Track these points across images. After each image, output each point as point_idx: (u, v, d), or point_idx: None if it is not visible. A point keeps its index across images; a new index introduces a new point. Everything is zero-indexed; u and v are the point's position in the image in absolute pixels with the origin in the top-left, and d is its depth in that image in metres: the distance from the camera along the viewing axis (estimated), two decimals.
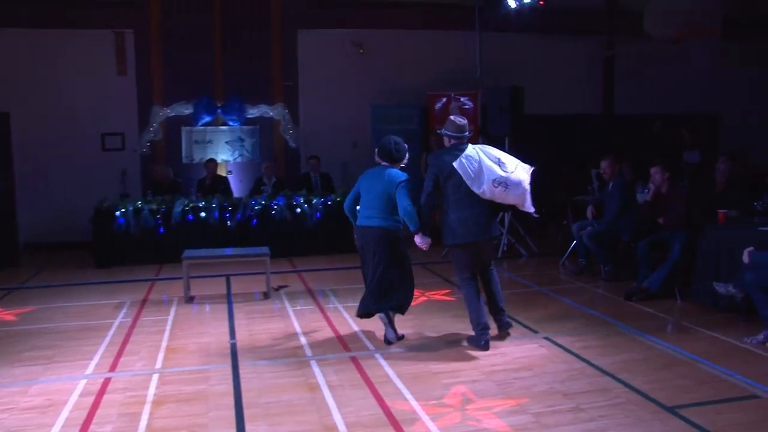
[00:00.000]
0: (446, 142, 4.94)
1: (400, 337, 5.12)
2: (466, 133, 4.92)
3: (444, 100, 10.56)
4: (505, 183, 4.74)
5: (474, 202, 4.77)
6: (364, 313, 5.03)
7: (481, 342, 4.88)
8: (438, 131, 5.32)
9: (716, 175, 7.08)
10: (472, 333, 4.97)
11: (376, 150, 5.08)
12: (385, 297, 4.93)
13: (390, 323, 5.05)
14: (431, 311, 6.02)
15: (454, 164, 4.76)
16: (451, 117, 5.00)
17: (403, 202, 4.77)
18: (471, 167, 4.74)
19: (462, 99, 10.47)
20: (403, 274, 4.97)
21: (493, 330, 5.09)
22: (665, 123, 10.00)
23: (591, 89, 11.93)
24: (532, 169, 4.93)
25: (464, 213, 4.79)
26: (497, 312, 5.09)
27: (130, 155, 10.36)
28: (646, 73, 11.83)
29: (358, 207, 5.10)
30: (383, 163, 5.00)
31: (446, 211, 4.84)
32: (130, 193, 9.71)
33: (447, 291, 6.75)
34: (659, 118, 10.22)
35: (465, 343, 4.99)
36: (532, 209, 4.92)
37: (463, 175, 4.73)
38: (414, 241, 4.82)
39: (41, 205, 10.12)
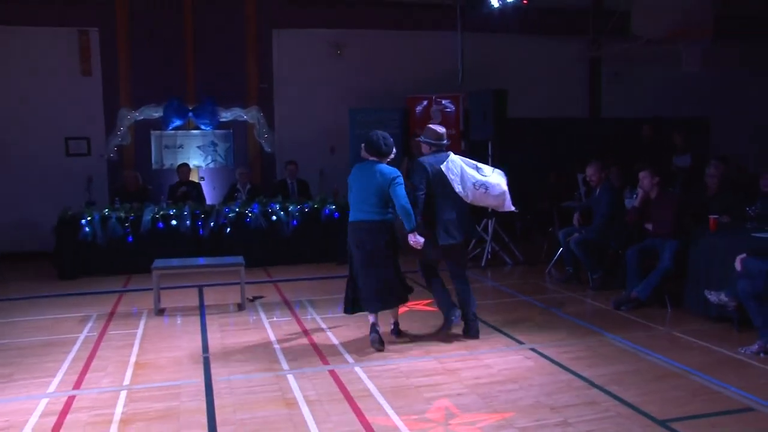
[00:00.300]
0: (425, 149, 5.34)
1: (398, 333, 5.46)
2: (445, 141, 5.37)
3: (425, 103, 10.60)
4: (485, 185, 5.28)
5: (456, 205, 5.23)
6: (379, 309, 5.19)
7: (452, 318, 5.31)
8: (416, 138, 5.69)
9: (707, 179, 7.17)
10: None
11: (363, 145, 5.24)
12: (391, 293, 5.14)
13: (376, 324, 5.24)
14: (412, 321, 6.02)
15: (442, 167, 5.20)
16: (430, 125, 5.45)
17: (401, 199, 4.96)
18: (456, 171, 5.23)
19: (443, 102, 10.52)
20: (399, 269, 5.21)
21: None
22: (655, 126, 10.12)
23: (577, 92, 12.07)
24: (504, 176, 5.41)
25: (449, 216, 5.20)
26: (470, 318, 5.44)
27: (97, 161, 10.29)
28: (635, 75, 12.00)
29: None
30: (371, 158, 5.17)
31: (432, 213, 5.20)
32: (96, 200, 9.61)
33: (429, 300, 6.64)
34: (648, 121, 10.35)
35: (443, 331, 5.44)
36: (512, 208, 5.43)
37: (451, 179, 5.17)
38: (406, 239, 5.01)
39: (0, 214, 10.01)
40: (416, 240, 4.97)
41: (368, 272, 5.12)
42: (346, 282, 5.38)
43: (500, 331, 5.67)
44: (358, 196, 5.13)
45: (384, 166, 5.14)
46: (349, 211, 5.24)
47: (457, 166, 5.25)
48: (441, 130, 5.37)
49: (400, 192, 4.97)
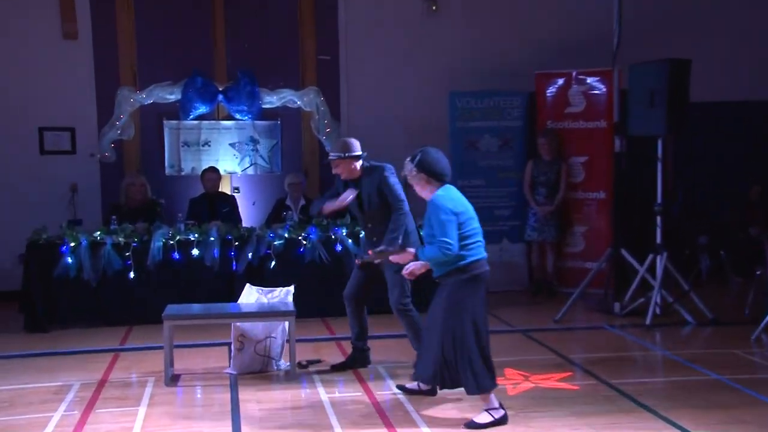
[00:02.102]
0: (350, 165, 6.64)
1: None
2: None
3: (560, 82, 10.46)
4: None
5: None
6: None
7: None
8: (342, 155, 6.60)
9: None
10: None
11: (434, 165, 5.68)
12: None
13: None
14: (539, 406, 5.91)
15: None
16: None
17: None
18: None
19: (588, 80, 10.32)
20: None
21: None
22: None
23: None
24: None
25: None
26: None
27: (84, 162, 10.40)
28: None
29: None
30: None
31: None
32: (83, 218, 9.69)
33: (565, 374, 6.65)
34: None
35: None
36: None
37: None
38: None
39: None
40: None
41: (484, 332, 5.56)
42: (471, 351, 5.49)
43: (678, 426, 5.40)
44: (474, 227, 5.59)
45: None
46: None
47: None
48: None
49: None
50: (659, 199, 8.71)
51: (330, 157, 6.63)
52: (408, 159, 5.72)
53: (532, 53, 10.78)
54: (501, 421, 5.44)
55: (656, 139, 8.75)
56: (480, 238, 5.59)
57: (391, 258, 5.95)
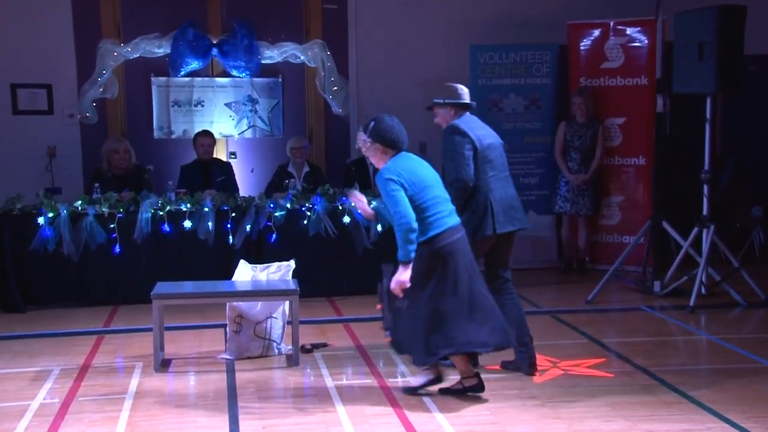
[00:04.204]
0: (449, 113, 6.41)
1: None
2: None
3: (596, 33, 10.41)
4: None
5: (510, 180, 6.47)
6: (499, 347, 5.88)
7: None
8: (441, 101, 6.47)
9: None
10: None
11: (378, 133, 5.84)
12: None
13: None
14: (569, 395, 5.91)
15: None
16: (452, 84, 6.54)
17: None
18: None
19: (628, 31, 10.27)
20: None
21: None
22: None
23: None
24: None
25: (509, 192, 6.36)
26: (523, 345, 6.30)
27: (63, 123, 10.46)
28: None
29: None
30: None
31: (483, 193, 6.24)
32: (62, 187, 9.74)
33: (598, 360, 6.69)
34: None
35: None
36: None
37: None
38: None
39: None
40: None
41: (477, 291, 5.79)
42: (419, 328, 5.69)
43: (725, 419, 5.38)
44: (435, 195, 5.78)
45: None
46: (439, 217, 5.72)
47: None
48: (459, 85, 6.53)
49: None
50: (707, 166, 8.68)
51: (435, 101, 6.47)
52: (360, 128, 5.95)
53: (563, 1, 10.77)
54: (473, 389, 5.79)
55: (704, 98, 8.73)
56: (443, 207, 5.72)
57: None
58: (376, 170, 9.73)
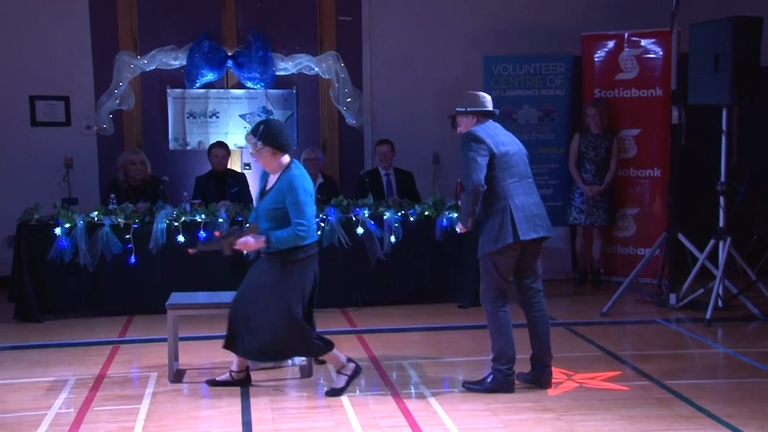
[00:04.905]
0: (471, 121, 6.42)
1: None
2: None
3: (611, 45, 10.40)
4: None
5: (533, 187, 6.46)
6: None
7: (503, 380, 6.15)
8: (463, 109, 6.49)
9: None
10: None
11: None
12: None
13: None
14: (584, 408, 5.88)
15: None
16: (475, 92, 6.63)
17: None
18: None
19: (643, 42, 10.24)
20: None
21: None
22: None
23: None
24: None
25: (530, 199, 6.28)
26: (542, 364, 6.34)
27: (80, 135, 10.50)
28: None
29: None
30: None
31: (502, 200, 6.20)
32: (78, 197, 9.78)
33: (613, 373, 6.66)
34: None
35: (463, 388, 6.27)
36: None
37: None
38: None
39: None
40: None
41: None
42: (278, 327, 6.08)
43: None
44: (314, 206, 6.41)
45: None
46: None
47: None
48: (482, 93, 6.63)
49: None
50: (723, 178, 8.64)
51: (457, 110, 6.49)
52: (249, 132, 6.26)
53: (577, 12, 10.79)
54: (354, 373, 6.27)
55: (720, 109, 8.69)
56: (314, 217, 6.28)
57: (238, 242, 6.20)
58: (389, 181, 9.84)
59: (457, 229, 6.52)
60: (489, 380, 6.19)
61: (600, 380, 6.46)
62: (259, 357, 6.31)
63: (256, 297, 6.12)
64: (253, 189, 10.21)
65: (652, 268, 9.12)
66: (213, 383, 6.44)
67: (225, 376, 6.44)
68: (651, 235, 9.69)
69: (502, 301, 6.17)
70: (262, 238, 6.04)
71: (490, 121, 6.42)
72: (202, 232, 8.66)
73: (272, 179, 6.25)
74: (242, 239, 6.13)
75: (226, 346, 6.28)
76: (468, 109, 6.40)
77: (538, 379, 6.27)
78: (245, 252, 6.50)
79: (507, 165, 6.18)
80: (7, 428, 5.62)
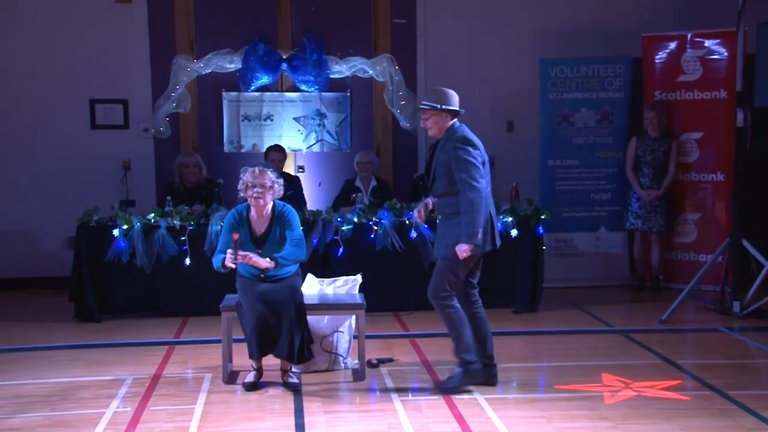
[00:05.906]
0: (445, 120, 6.35)
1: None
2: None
3: (673, 46, 10.26)
4: None
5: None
6: None
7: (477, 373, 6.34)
8: (438, 106, 6.35)
9: None
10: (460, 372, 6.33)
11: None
12: None
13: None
14: (642, 417, 5.77)
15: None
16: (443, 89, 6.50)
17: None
18: None
19: (707, 43, 10.09)
20: None
21: None
22: None
23: None
24: None
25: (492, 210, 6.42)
26: (491, 358, 6.52)
27: (138, 138, 10.60)
28: None
29: None
30: None
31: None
32: (136, 199, 9.90)
33: (672, 382, 6.52)
34: None
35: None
36: None
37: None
38: None
39: None
40: None
41: None
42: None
43: None
44: None
45: None
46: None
47: None
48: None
49: None
50: None
51: (421, 106, 6.41)
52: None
53: (637, 12, 10.70)
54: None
55: None
56: None
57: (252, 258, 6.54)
58: None
59: (414, 217, 6.84)
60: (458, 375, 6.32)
61: (659, 389, 6.32)
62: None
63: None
64: (307, 192, 10.36)
65: (714, 275, 8.98)
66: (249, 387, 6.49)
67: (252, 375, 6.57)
68: (713, 241, 9.53)
69: (453, 299, 6.32)
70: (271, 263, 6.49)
71: (458, 121, 6.40)
72: None
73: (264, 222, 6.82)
74: (255, 258, 6.50)
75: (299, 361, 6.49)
76: (443, 107, 6.28)
77: (491, 374, 6.42)
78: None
79: (486, 172, 6.26)
80: (66, 426, 5.68)
